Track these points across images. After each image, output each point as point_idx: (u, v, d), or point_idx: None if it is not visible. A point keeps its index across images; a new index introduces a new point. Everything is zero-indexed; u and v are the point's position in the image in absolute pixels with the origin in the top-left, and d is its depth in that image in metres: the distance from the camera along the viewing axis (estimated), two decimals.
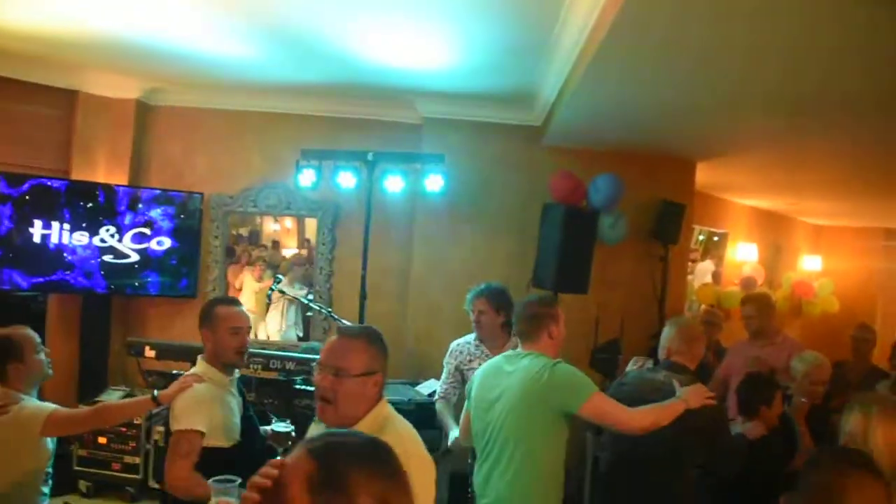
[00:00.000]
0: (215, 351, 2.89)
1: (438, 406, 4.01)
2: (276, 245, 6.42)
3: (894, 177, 6.54)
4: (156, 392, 2.85)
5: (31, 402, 2.90)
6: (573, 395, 2.83)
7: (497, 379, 3.01)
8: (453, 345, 4.12)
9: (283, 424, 3.14)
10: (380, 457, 1.18)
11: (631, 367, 3.77)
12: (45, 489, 2.97)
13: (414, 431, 2.14)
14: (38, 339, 3.04)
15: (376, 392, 2.13)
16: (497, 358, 3.18)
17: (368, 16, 3.96)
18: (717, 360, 5.24)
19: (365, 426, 2.01)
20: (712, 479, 3.24)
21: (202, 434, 2.65)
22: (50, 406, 2.89)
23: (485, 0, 3.59)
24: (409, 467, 1.20)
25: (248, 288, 6.30)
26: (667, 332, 3.40)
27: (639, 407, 2.91)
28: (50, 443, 2.94)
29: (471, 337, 4.07)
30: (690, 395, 2.95)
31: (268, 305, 6.21)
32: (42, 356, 3.02)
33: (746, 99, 4.17)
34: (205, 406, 2.72)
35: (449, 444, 3.68)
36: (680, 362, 3.27)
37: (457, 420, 3.56)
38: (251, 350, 3.57)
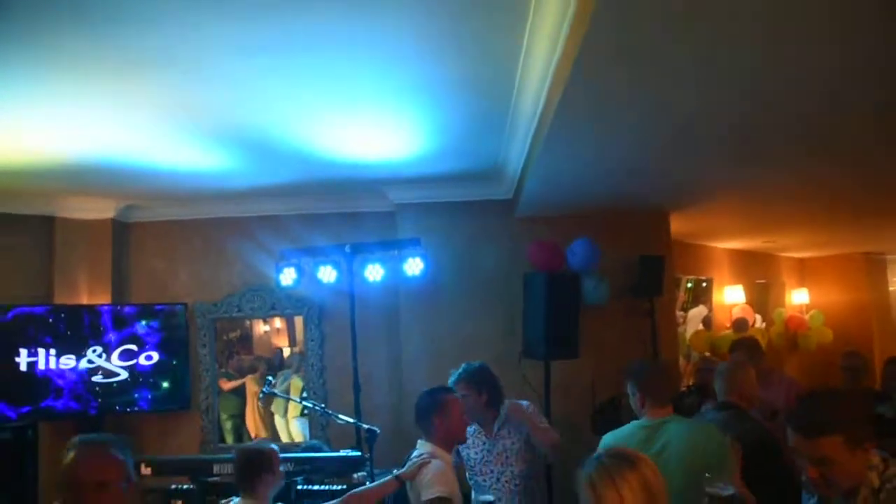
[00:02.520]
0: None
1: None
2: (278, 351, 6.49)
3: (865, 204, 6.65)
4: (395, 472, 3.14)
5: None
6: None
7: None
8: None
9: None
10: None
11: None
12: None
13: None
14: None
15: None
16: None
17: (330, 115, 4.07)
18: None
19: None
20: None
21: None
22: None
23: (437, 88, 3.71)
24: None
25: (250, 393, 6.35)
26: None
27: None
28: None
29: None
30: None
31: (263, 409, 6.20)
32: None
33: (708, 148, 4.26)
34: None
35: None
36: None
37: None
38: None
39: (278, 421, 6.57)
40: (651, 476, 1.93)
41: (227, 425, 6.49)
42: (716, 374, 3.75)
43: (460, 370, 3.93)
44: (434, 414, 3.27)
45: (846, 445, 2.05)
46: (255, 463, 3.10)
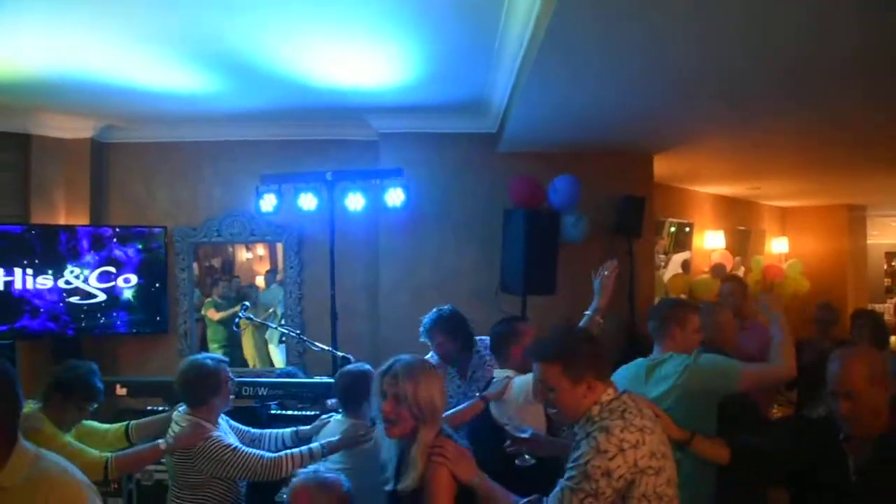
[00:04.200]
0: None
1: None
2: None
3: (853, 154, 6.66)
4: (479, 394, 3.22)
5: None
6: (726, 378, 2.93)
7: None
8: None
9: None
10: None
11: None
12: None
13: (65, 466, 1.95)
14: None
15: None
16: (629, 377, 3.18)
17: (313, 38, 3.98)
18: None
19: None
20: None
21: None
22: None
23: (424, 13, 3.62)
24: None
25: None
26: None
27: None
28: None
29: (434, 358, 4.01)
30: None
31: (238, 334, 6.23)
32: None
33: (695, 88, 4.21)
34: None
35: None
36: None
37: None
38: None
39: (272, 350, 6.60)
40: None
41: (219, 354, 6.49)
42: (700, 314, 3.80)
43: (434, 316, 3.94)
44: (511, 343, 3.37)
45: (565, 375, 2.21)
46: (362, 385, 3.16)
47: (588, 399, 2.21)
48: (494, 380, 3.32)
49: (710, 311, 3.82)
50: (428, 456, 2.24)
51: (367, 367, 3.36)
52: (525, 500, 2.23)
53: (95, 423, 3.45)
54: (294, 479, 2.40)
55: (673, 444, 2.43)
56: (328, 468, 2.61)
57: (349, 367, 3.48)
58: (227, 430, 3.27)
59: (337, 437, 3.14)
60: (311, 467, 2.56)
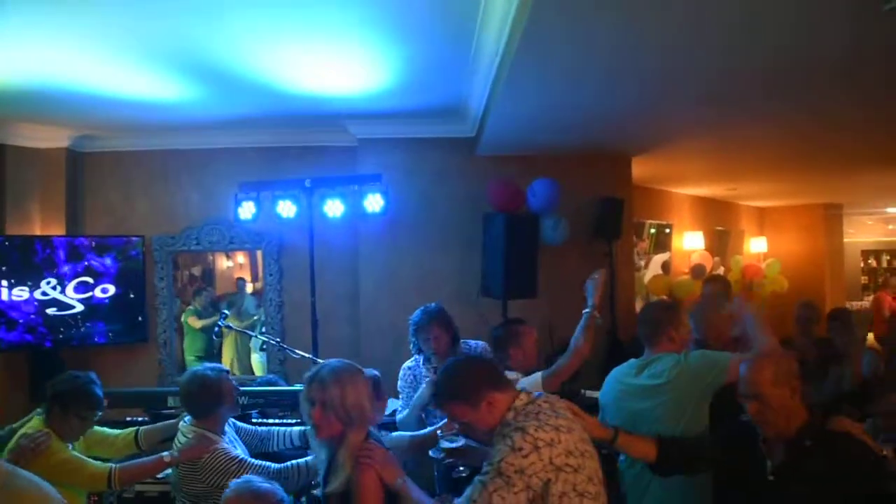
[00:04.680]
0: None
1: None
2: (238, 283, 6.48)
3: (829, 153, 6.75)
4: None
5: None
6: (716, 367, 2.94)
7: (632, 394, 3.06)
8: (405, 368, 4.06)
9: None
10: None
11: None
12: None
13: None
14: None
15: None
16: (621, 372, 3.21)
17: (290, 45, 3.98)
18: None
19: None
20: None
21: None
22: None
23: (400, 20, 3.63)
24: None
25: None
26: None
27: None
28: None
29: (418, 360, 3.99)
30: None
31: (218, 342, 6.19)
32: None
33: (671, 89, 4.25)
34: None
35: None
36: None
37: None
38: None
39: (255, 358, 6.58)
40: None
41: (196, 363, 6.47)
42: (689, 314, 3.84)
43: (429, 312, 3.87)
44: (510, 345, 3.47)
45: (466, 405, 2.27)
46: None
47: (496, 411, 2.26)
48: None
49: (702, 308, 3.85)
50: (355, 459, 2.25)
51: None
52: (435, 498, 2.27)
53: (106, 430, 3.44)
54: (226, 490, 2.38)
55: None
56: None
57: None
58: (233, 438, 3.24)
59: None
60: (244, 476, 2.53)
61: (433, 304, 3.97)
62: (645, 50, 3.45)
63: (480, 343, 3.97)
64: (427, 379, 3.84)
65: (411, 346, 3.98)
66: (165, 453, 3.04)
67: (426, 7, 3.45)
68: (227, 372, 3.23)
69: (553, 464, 2.09)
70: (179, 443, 3.09)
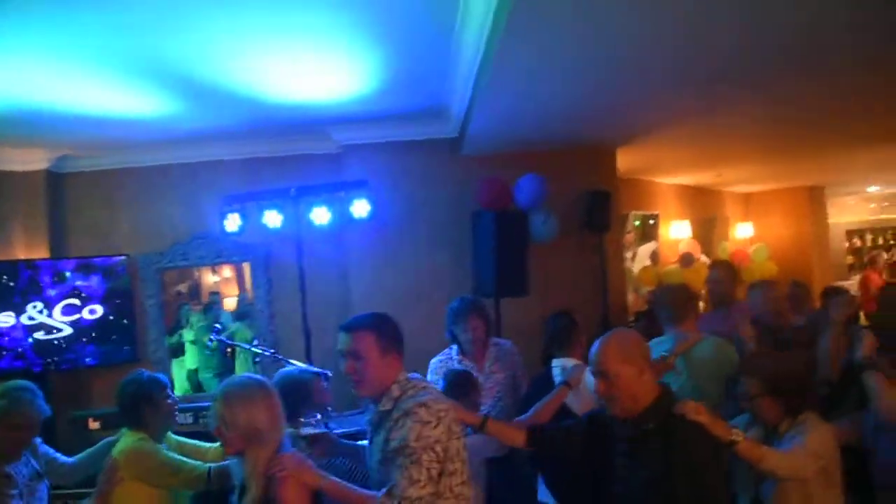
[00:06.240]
0: None
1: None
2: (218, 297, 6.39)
3: (810, 135, 6.79)
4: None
5: None
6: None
7: None
8: (435, 362, 4.01)
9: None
10: None
11: None
12: None
13: None
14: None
15: None
16: None
17: (268, 55, 3.94)
18: None
19: None
20: None
21: None
22: None
23: (378, 23, 3.60)
24: None
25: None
26: None
27: None
28: None
29: (450, 352, 4.00)
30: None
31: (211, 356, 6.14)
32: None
33: (651, 80, 4.26)
34: None
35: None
36: None
37: None
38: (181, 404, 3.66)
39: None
40: None
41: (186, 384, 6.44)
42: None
43: (467, 303, 3.93)
44: (574, 332, 3.63)
45: (377, 344, 2.38)
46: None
47: (390, 374, 2.39)
48: (555, 367, 3.56)
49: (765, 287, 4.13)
50: (268, 477, 2.25)
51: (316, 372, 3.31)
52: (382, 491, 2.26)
53: (197, 442, 3.40)
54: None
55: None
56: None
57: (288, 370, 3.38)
58: None
59: None
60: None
61: (467, 297, 4.05)
62: (626, 40, 3.45)
63: (508, 342, 4.14)
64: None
65: (447, 334, 4.00)
66: None
67: (405, 8, 3.43)
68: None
69: (451, 430, 2.31)
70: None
